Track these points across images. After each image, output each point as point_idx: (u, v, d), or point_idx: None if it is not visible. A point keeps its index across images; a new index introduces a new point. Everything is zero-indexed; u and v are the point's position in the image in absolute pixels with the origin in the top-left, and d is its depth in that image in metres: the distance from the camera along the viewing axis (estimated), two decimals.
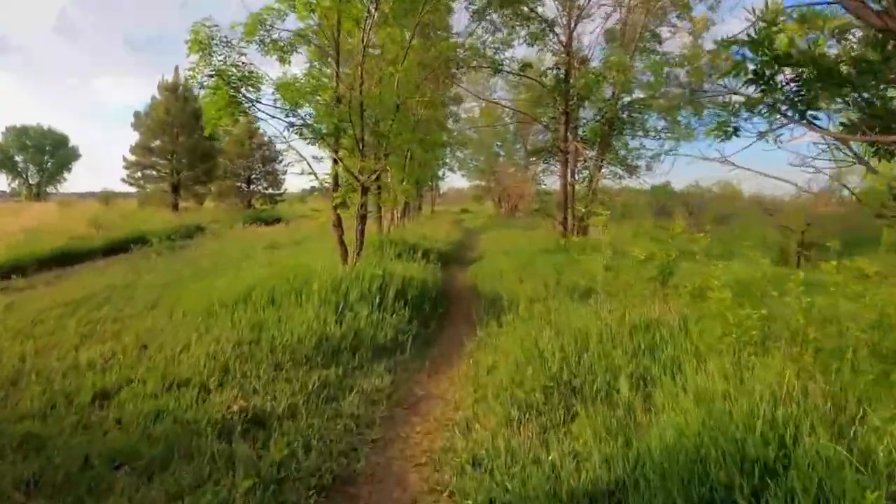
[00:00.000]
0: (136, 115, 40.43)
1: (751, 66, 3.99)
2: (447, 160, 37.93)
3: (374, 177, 10.09)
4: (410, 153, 17.96)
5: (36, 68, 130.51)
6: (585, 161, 14.94)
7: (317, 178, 10.16)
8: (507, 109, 28.47)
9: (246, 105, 9.69)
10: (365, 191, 9.83)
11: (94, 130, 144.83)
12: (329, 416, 4.88)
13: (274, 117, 10.22)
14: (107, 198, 44.42)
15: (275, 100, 9.89)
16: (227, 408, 4.89)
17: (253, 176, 44.54)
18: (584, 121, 16.34)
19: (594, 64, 15.24)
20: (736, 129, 4.46)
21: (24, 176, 64.26)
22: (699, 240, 7.21)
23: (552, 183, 21.88)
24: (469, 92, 18.88)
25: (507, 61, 15.03)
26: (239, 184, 43.99)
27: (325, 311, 7.47)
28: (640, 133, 15.72)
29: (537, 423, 4.38)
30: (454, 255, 17.50)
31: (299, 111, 9.94)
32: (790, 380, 4.40)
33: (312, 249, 15.87)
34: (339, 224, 10.08)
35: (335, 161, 9.99)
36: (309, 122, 9.89)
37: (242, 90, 9.50)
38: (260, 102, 9.79)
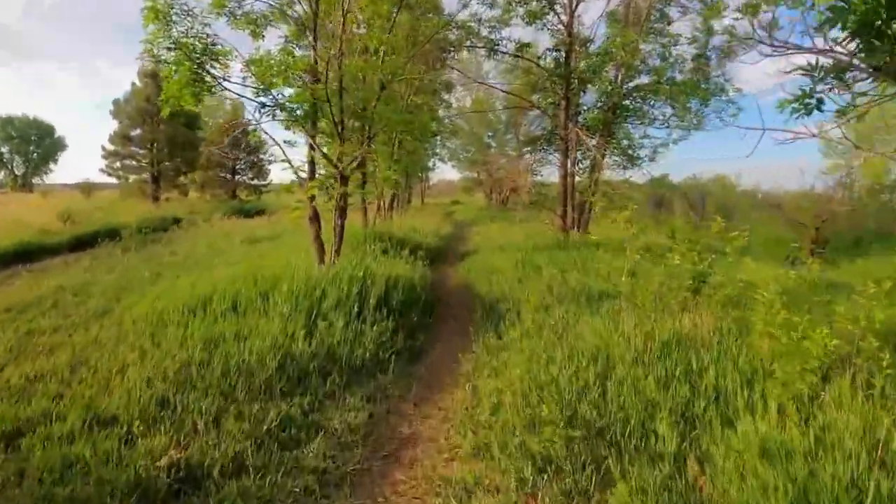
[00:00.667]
0: (116, 102, 38.81)
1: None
2: (437, 150, 36.79)
3: (354, 164, 8.94)
4: (399, 141, 16.83)
5: (24, 55, 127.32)
6: (586, 150, 13.83)
7: (291, 165, 8.97)
8: (500, 95, 27.37)
9: (211, 83, 8.52)
10: (344, 180, 8.68)
11: (85, 120, 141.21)
12: (286, 471, 3.78)
13: (243, 97, 9.06)
14: (88, 189, 42.93)
15: (244, 77, 8.74)
16: (153, 460, 3.78)
17: (238, 166, 43.11)
18: (585, 107, 15.26)
19: (596, 46, 14.16)
20: (820, 102, 3.37)
21: (10, 167, 62.56)
22: (735, 239, 6.15)
23: (549, 174, 20.88)
24: (462, 74, 17.69)
25: (504, 42, 13.86)
26: (223, 174, 42.55)
27: (294, 321, 6.35)
28: (646, 121, 14.64)
29: (559, 487, 3.30)
30: (445, 250, 16.40)
31: (272, 90, 8.76)
32: (889, 430, 3.37)
33: (291, 244, 14.73)
34: (315, 218, 8.93)
35: (311, 147, 8.83)
36: (283, 102, 8.72)
37: (207, 66, 8.32)
38: (228, 80, 8.64)
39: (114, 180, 39.98)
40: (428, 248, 14.96)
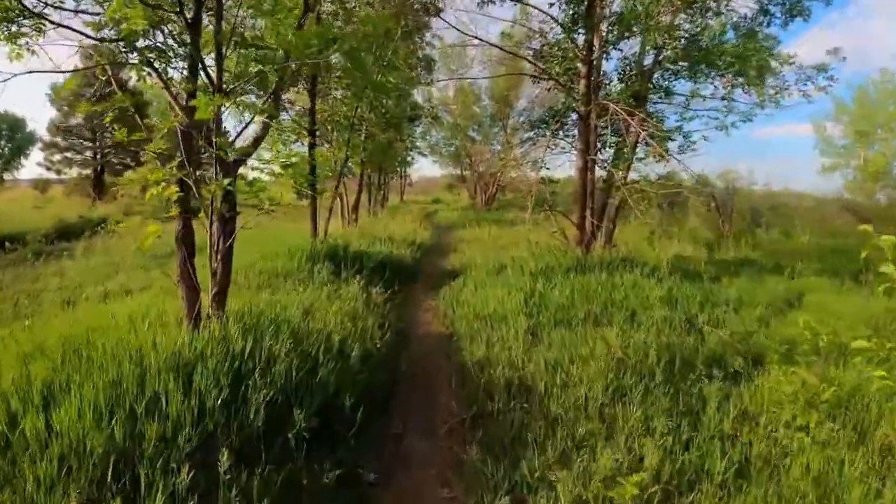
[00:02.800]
0: (54, 87, 34.23)
1: None
2: (417, 143, 32.83)
3: (244, 139, 5.00)
4: (359, 120, 12.92)
5: None
6: (616, 134, 9.95)
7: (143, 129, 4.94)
8: (486, 85, 23.53)
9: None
10: (227, 167, 4.73)
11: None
12: None
13: (77, 32, 5.00)
14: (43, 185, 38.60)
15: None
16: None
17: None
18: (608, 80, 11.46)
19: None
20: None
21: None
22: None
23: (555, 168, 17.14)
24: (453, 28, 13.64)
25: None
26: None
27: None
28: (696, 97, 10.77)
29: None
30: (420, 268, 12.46)
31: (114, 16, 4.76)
32: None
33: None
34: (187, 235, 4.97)
35: (176, 106, 4.86)
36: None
37: None
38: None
39: None
40: (398, 266, 11.05)
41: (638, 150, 10.80)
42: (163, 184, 4.56)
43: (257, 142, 4.87)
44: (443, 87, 34.91)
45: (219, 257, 4.86)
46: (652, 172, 10.43)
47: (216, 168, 4.67)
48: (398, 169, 35.00)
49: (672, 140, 10.92)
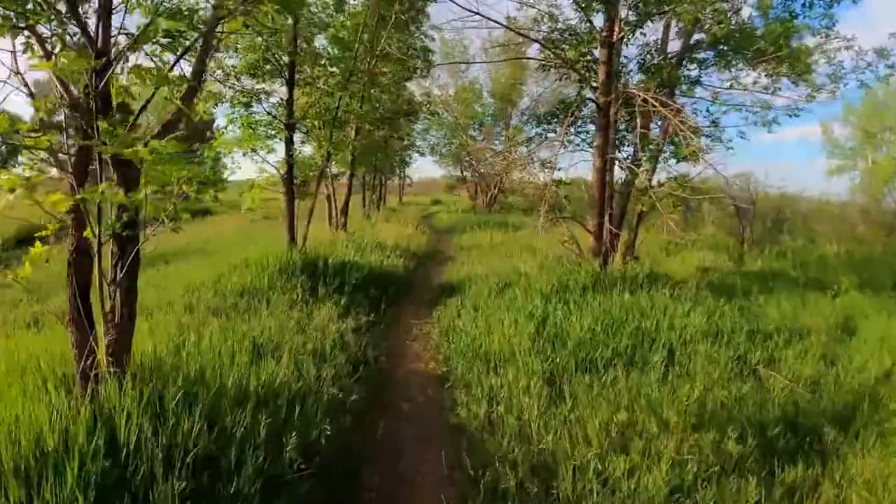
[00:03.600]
0: (37, 83, 32.64)
1: None
2: (416, 142, 31.41)
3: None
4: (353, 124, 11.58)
5: None
6: (646, 129, 8.42)
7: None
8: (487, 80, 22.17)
9: None
10: (118, 166, 3.32)
11: None
12: None
13: None
14: (32, 185, 37.00)
15: None
16: None
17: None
18: (627, 69, 10.00)
19: None
20: None
21: None
22: None
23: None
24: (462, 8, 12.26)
25: None
26: None
27: None
28: (733, 89, 9.29)
29: None
30: (412, 282, 11.03)
31: None
32: None
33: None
34: (81, 260, 3.58)
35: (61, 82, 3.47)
36: None
37: None
38: None
39: None
40: (387, 281, 9.64)
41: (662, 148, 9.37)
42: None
43: (166, 129, 3.44)
44: (443, 84, 33.48)
45: (113, 290, 3.44)
46: (674, 173, 8.98)
47: (99, 167, 3.27)
48: (396, 169, 33.62)
49: (707, 136, 9.45)
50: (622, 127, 9.45)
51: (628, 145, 9.90)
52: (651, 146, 8.76)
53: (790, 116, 9.32)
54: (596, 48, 9.02)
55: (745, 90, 9.36)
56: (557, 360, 5.22)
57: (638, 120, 7.73)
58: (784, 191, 22.86)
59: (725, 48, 8.65)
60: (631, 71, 10.18)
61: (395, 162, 28.92)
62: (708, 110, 10.27)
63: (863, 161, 29.45)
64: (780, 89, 9.03)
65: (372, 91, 12.93)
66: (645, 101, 7.27)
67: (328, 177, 13.24)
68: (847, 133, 29.78)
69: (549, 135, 10.27)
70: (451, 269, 11.68)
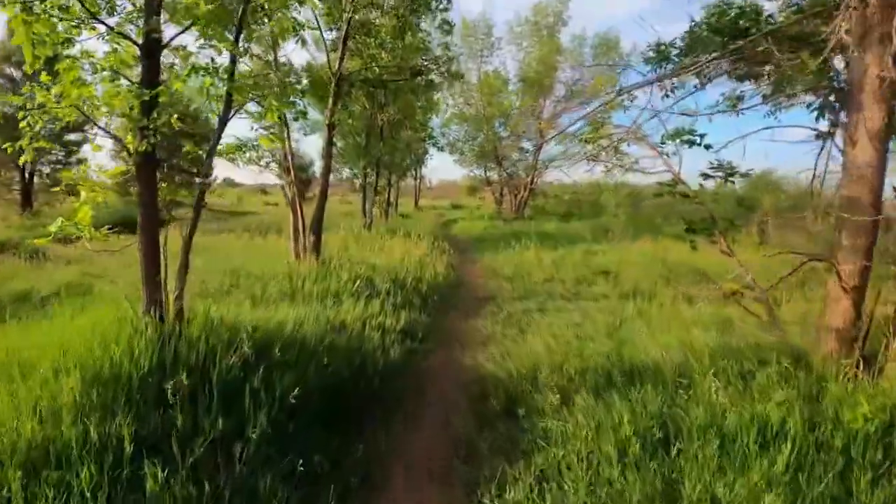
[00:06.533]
0: None
1: None
2: (435, 137, 26.62)
3: None
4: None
5: None
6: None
7: None
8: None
9: None
10: None
11: None
12: None
13: None
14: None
15: None
16: None
17: (173, 159, 32.32)
18: None
19: None
20: None
21: None
22: None
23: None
24: None
25: None
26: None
27: None
28: None
29: None
30: (407, 388, 5.63)
31: None
32: None
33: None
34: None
35: None
36: None
37: None
38: None
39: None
40: (345, 405, 4.54)
41: None
42: None
43: None
44: (464, 71, 28.26)
45: None
46: None
47: None
48: (410, 168, 28.79)
49: None
50: None
51: None
52: None
53: None
54: None
55: None
56: None
57: None
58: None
59: None
60: None
61: (408, 158, 24.00)
62: None
63: None
64: None
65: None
66: None
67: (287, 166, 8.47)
68: None
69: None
70: (490, 341, 6.54)
